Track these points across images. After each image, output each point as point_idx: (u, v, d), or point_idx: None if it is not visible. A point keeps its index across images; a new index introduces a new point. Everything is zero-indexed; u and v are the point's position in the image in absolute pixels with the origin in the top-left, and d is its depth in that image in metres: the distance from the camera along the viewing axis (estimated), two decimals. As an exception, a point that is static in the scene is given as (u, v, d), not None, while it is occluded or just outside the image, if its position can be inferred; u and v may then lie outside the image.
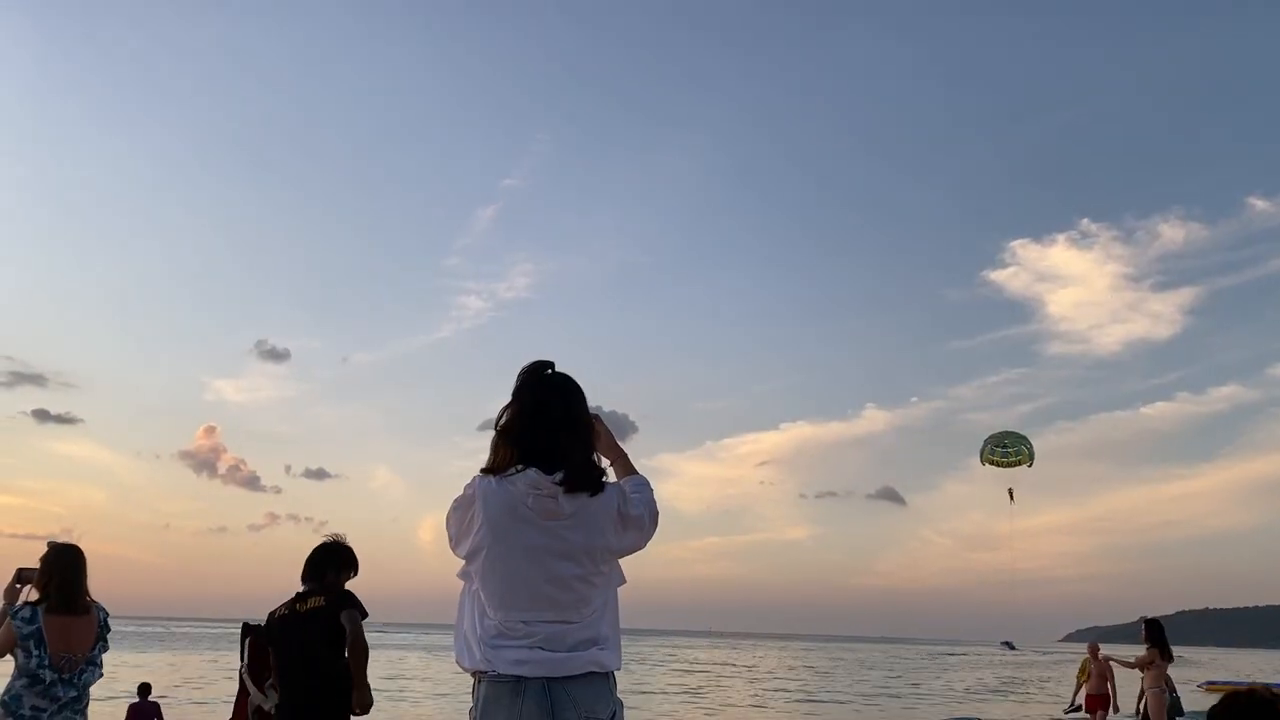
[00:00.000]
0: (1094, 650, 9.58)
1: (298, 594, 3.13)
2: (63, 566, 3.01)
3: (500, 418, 1.59)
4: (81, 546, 3.08)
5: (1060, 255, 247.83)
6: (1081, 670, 9.48)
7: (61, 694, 2.94)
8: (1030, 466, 10.78)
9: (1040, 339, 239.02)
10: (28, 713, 2.91)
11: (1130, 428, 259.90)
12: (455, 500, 1.58)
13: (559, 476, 1.47)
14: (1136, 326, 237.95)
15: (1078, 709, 9.30)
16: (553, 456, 1.50)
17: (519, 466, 1.50)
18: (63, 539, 3.18)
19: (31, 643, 2.91)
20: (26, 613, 2.96)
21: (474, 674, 1.52)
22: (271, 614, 3.18)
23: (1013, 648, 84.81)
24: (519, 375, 1.62)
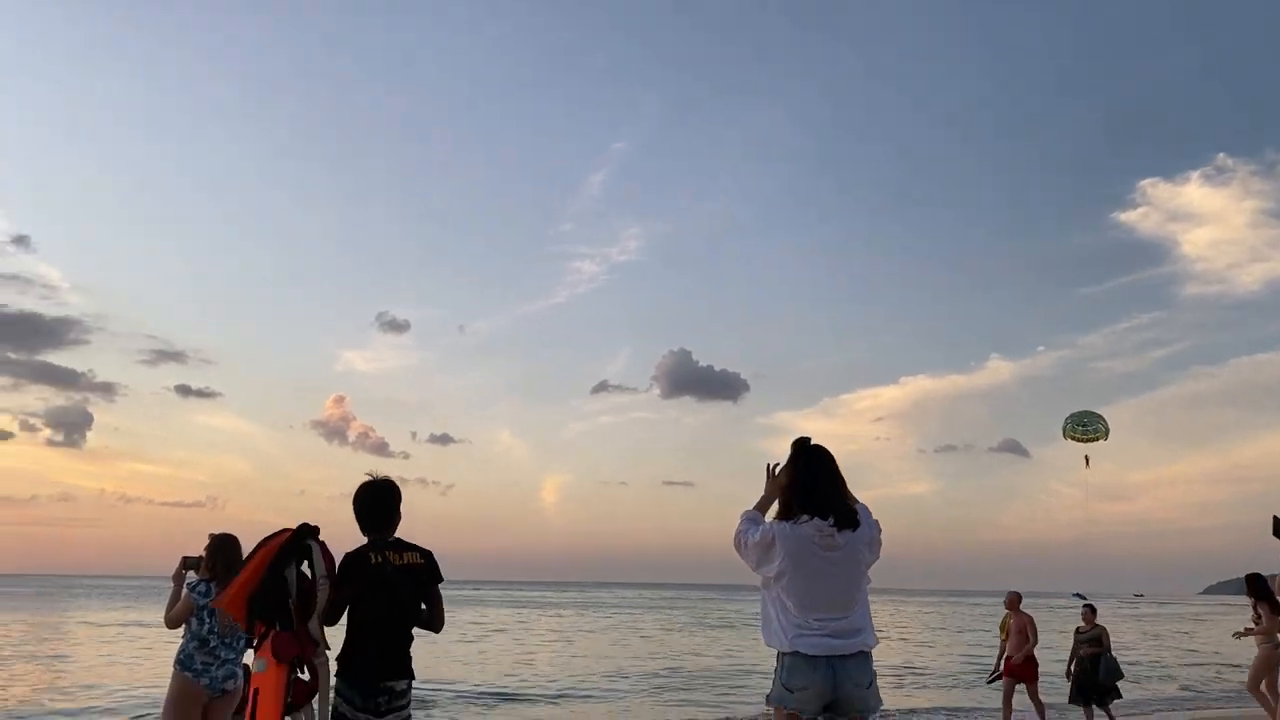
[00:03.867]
0: (1014, 602, 7.52)
1: (389, 541, 2.77)
2: (225, 552, 3.77)
3: (779, 475, 2.53)
4: (225, 513, 4.32)
5: (1194, 193, 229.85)
6: (1002, 627, 7.66)
7: (223, 655, 3.78)
8: (1105, 441, 10.67)
9: (1174, 281, 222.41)
10: (199, 666, 3.75)
11: (1273, 371, 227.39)
12: (747, 534, 2.48)
13: (831, 521, 2.36)
14: (1278, 264, 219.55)
15: (998, 677, 7.58)
16: (825, 507, 2.38)
17: (805, 516, 2.38)
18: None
19: (205, 613, 3.72)
20: (203, 588, 3.74)
21: (781, 653, 2.39)
22: (362, 556, 2.70)
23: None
24: (793, 446, 2.55)
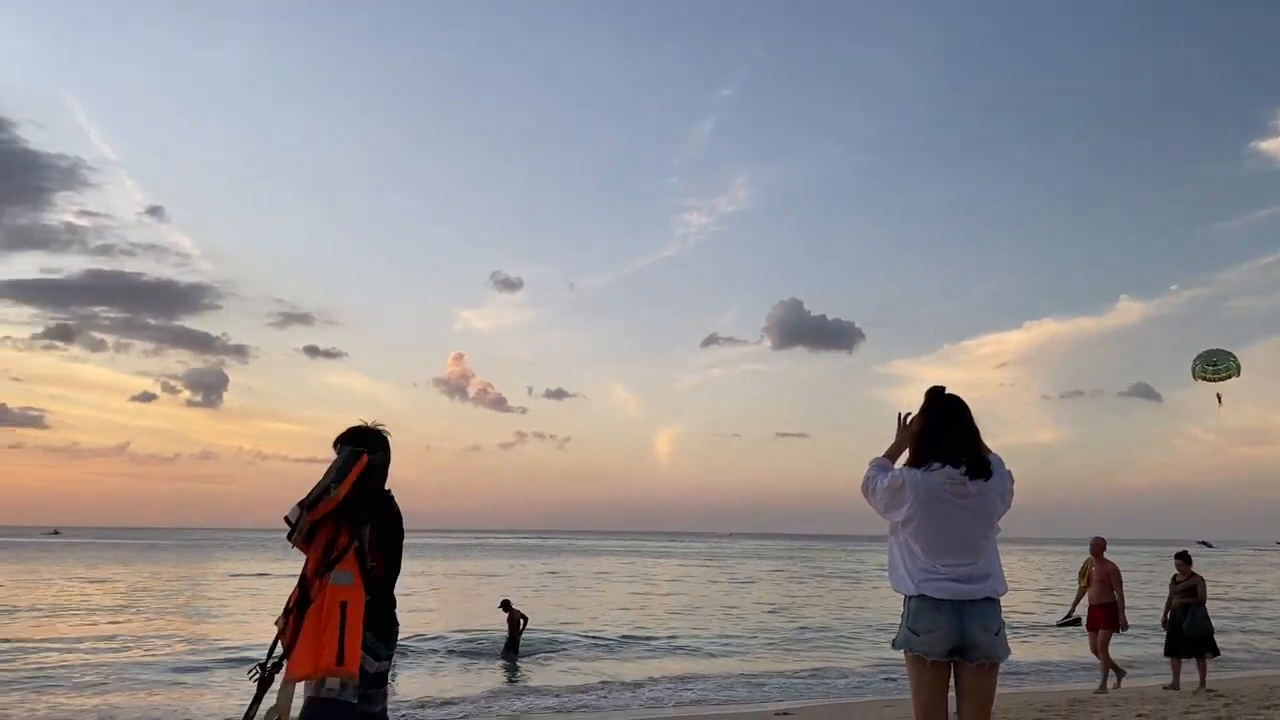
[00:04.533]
0: (1099, 548, 7.61)
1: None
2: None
3: (910, 424, 2.55)
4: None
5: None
6: (1082, 573, 7.71)
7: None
8: (1237, 378, 10.32)
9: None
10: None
11: None
12: (876, 479, 2.50)
13: (963, 469, 2.35)
14: None
15: (1075, 621, 7.67)
16: (957, 456, 2.37)
17: (936, 464, 2.38)
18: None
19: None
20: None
21: (907, 597, 2.41)
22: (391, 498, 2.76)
23: (1209, 546, 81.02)
24: (926, 395, 2.55)
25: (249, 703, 2.43)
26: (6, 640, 13.27)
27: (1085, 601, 7.44)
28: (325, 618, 2.43)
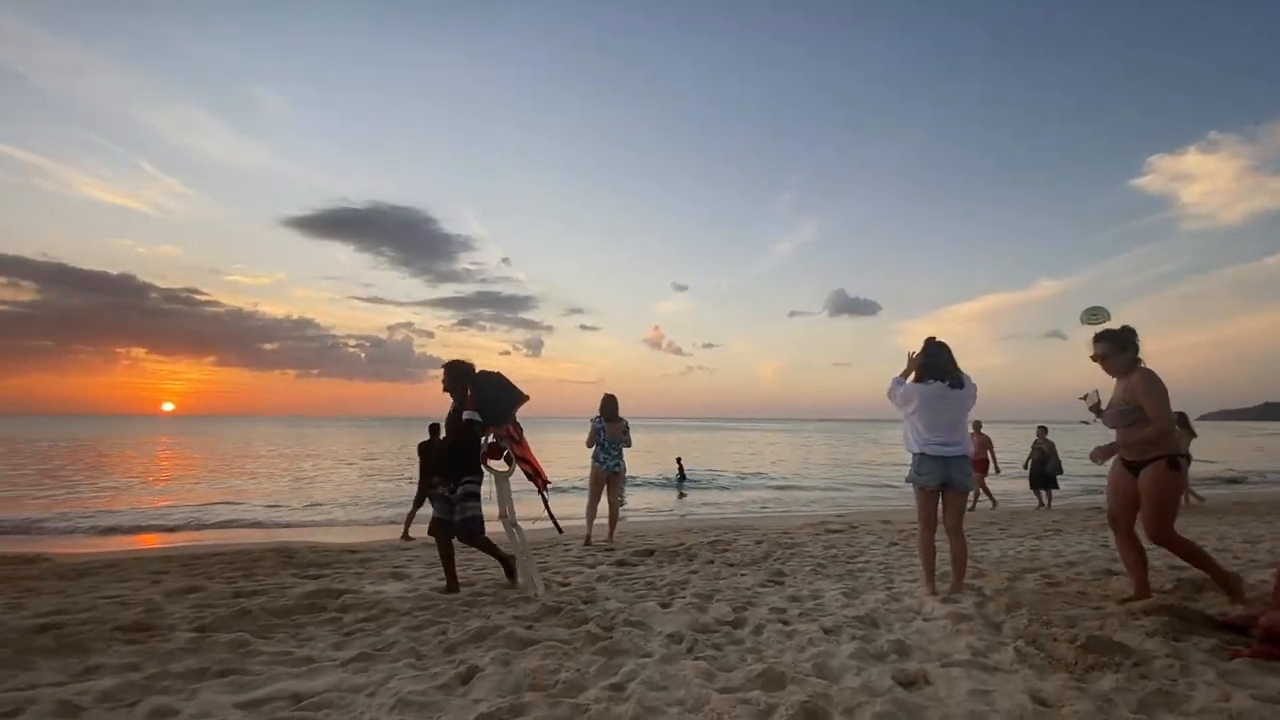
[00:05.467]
0: (976, 427, 12.41)
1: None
2: (608, 403, 7.42)
3: (915, 358, 4.35)
4: (605, 385, 11.47)
5: None
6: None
7: (615, 452, 7.38)
8: (1109, 321, 11.86)
9: None
10: (602, 457, 7.34)
11: None
12: (895, 389, 4.43)
13: (948, 383, 4.25)
14: None
15: None
16: (943, 374, 4.26)
17: (932, 380, 4.27)
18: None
19: (602, 435, 7.37)
20: (599, 422, 7.33)
21: (914, 453, 4.36)
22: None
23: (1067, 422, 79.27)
24: (925, 340, 4.36)
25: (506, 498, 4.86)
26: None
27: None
28: (530, 454, 4.93)
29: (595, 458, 7.42)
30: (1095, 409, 4.08)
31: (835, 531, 8.84)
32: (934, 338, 4.45)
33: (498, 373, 4.85)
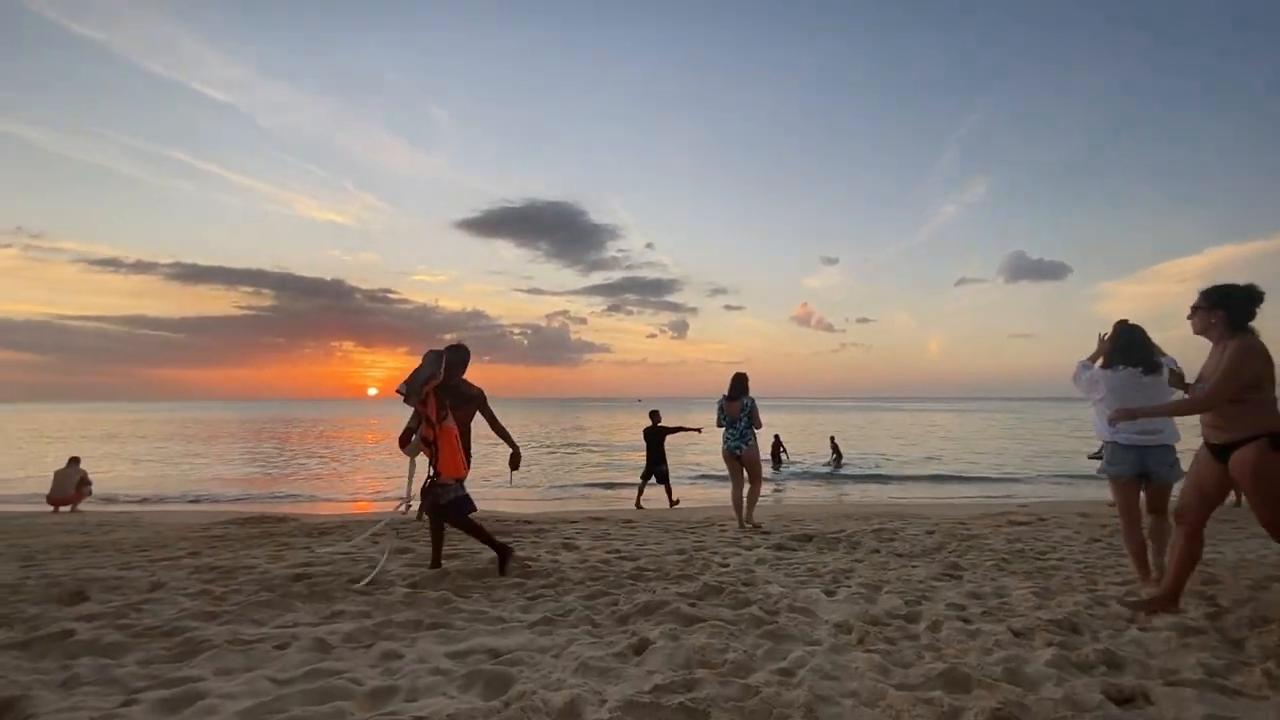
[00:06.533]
0: None
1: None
2: (732, 381, 7.22)
3: (1105, 342, 4.10)
4: (750, 364, 12.51)
5: None
6: None
7: (734, 432, 7.19)
8: None
9: None
10: (724, 436, 7.19)
11: None
12: (1080, 374, 4.10)
13: (1140, 369, 3.87)
14: None
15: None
16: (1136, 360, 3.90)
17: (1121, 366, 3.93)
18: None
19: (722, 414, 7.26)
20: (722, 401, 7.16)
21: (1105, 441, 3.94)
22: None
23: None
24: (1115, 325, 4.07)
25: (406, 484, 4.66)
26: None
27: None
28: (452, 444, 4.39)
29: (727, 437, 7.35)
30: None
31: (1021, 524, 8.04)
32: (1126, 320, 4.14)
33: (452, 347, 4.61)
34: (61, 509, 11.62)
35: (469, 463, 4.70)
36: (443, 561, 5.03)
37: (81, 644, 3.14)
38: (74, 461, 12.33)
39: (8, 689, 2.52)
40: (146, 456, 25.04)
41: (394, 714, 2.37)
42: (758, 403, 7.37)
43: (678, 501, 11.23)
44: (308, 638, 3.22)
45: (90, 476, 12.44)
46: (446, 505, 4.64)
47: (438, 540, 4.96)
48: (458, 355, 4.61)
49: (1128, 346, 4.02)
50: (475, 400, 4.67)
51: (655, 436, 11.08)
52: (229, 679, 2.70)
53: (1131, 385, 3.96)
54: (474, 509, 4.69)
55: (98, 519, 9.70)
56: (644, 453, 11.22)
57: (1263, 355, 3.17)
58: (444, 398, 4.46)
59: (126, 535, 7.32)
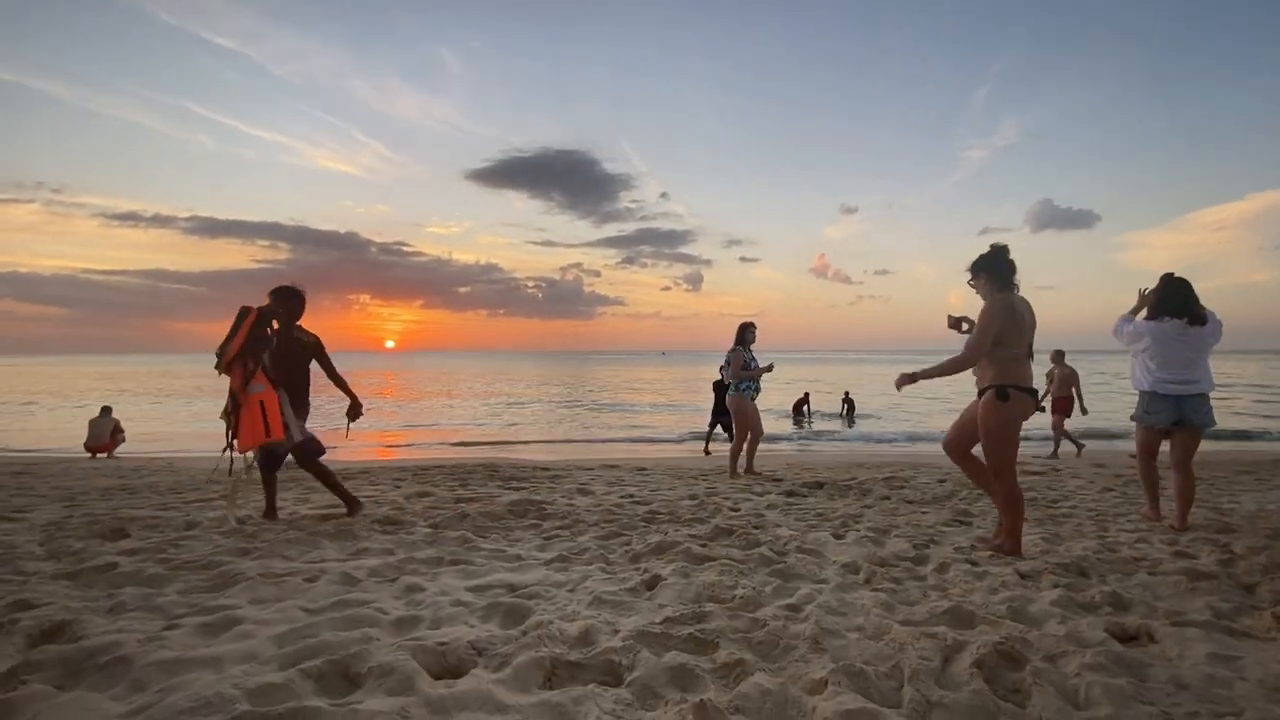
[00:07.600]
0: (1057, 358, 10.61)
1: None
2: (750, 347, 7.51)
3: (1148, 296, 4.20)
4: (765, 318, 13.11)
5: None
6: (1048, 376, 10.65)
7: (750, 386, 7.43)
8: None
9: None
10: (744, 388, 7.42)
11: None
12: (1121, 326, 4.25)
13: (1186, 320, 4.03)
14: None
15: (1041, 409, 9.21)
16: (1180, 311, 4.05)
17: (1167, 317, 4.08)
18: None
19: (730, 371, 7.50)
20: (727, 355, 7.58)
21: (1142, 391, 4.18)
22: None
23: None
24: (1161, 278, 4.14)
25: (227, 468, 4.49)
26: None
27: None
28: (252, 413, 4.16)
29: (743, 388, 7.51)
30: (958, 328, 3.95)
31: (1034, 473, 8.07)
32: (1172, 273, 4.22)
33: (283, 295, 4.46)
34: (99, 455, 12.08)
35: (308, 412, 4.64)
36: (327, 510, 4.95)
37: (125, 575, 3.32)
38: (106, 411, 12.75)
39: (60, 614, 2.68)
40: (177, 410, 25.77)
41: (419, 639, 2.49)
42: (770, 355, 7.62)
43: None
44: (335, 572, 3.37)
45: (123, 425, 12.88)
46: (297, 453, 4.56)
47: (270, 489, 4.77)
48: (292, 304, 4.48)
49: (1174, 298, 4.11)
50: (311, 348, 4.60)
51: (724, 389, 11.29)
52: (263, 608, 2.85)
53: (1177, 336, 4.05)
54: (323, 452, 4.70)
55: (133, 464, 10.09)
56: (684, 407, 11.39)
57: (1001, 314, 3.47)
58: (251, 363, 4.23)
59: (161, 479, 7.63)
